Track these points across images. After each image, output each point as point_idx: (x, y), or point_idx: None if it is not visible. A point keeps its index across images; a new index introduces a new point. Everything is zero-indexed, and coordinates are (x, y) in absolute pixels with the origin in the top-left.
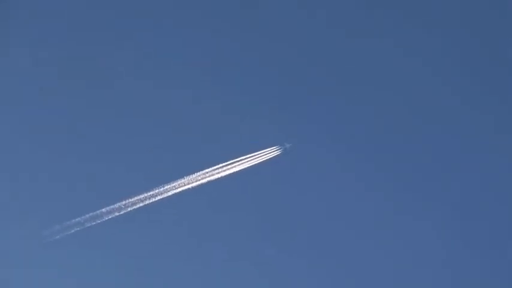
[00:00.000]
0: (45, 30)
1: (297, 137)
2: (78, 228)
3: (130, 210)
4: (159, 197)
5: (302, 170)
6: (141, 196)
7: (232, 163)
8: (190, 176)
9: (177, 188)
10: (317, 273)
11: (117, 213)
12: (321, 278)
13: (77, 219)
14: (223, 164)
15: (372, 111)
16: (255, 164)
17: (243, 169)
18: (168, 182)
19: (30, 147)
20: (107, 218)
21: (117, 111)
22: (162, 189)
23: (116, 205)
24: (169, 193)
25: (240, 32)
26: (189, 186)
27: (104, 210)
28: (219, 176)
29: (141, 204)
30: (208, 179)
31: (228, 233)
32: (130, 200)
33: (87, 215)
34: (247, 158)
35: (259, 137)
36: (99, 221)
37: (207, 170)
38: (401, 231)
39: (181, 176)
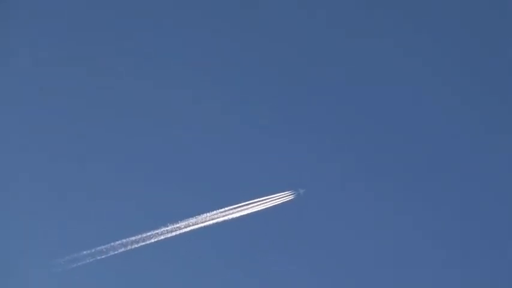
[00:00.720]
0: (45, 30)
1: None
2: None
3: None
4: (163, 236)
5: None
6: (143, 235)
7: (244, 205)
8: (199, 217)
9: (183, 228)
10: None
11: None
12: None
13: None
14: (233, 206)
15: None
16: (265, 208)
17: (253, 212)
18: (175, 221)
19: (30, 148)
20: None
21: (117, 111)
22: (168, 228)
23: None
24: (175, 233)
25: (240, 32)
26: (197, 226)
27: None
28: (226, 218)
29: (142, 244)
30: (217, 220)
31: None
32: (133, 238)
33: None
34: (259, 201)
35: (273, 179)
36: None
37: (217, 211)
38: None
39: (190, 216)
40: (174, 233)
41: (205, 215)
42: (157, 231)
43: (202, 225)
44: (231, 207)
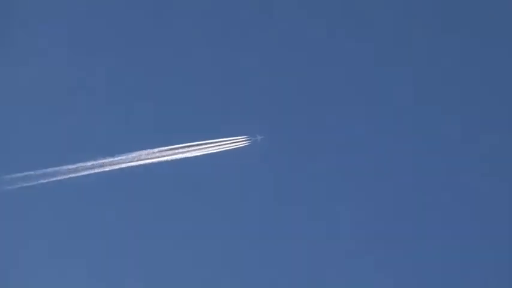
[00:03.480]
0: (46, 30)
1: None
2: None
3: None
4: (112, 167)
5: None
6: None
7: (196, 145)
8: (149, 151)
9: (131, 162)
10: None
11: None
12: None
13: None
14: (191, 143)
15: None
16: (218, 151)
17: (205, 153)
18: (124, 153)
19: None
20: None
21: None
22: (116, 159)
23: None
24: (123, 165)
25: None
26: (147, 161)
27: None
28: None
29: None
30: (171, 157)
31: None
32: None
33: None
34: (213, 142)
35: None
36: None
37: (173, 146)
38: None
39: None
40: (121, 165)
41: (154, 150)
42: (104, 161)
43: (151, 161)
44: (183, 145)
